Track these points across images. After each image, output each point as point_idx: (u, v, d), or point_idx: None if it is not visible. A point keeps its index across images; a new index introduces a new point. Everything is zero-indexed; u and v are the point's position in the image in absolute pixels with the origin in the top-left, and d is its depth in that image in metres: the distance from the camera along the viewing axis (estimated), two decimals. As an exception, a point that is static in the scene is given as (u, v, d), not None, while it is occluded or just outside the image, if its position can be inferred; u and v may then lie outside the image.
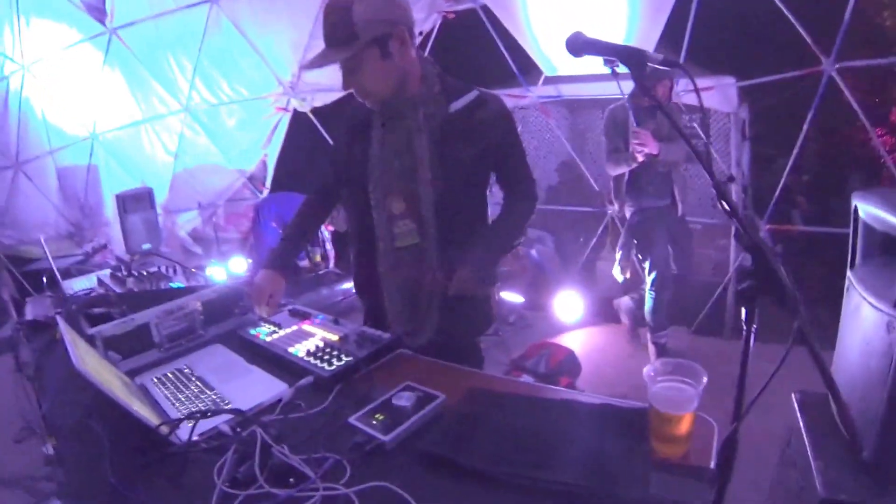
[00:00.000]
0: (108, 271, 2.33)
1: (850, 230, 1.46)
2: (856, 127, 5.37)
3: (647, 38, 3.61)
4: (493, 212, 1.70)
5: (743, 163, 4.09)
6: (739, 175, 4.02)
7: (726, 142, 4.20)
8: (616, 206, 3.47)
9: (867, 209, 1.37)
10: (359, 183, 1.50)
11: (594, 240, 4.76)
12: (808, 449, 1.38)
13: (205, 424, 1.08)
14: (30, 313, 2.02)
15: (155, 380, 1.36)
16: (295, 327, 1.56)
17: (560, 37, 4.36)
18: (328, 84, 4.59)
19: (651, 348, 3.59)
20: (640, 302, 3.67)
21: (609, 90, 4.40)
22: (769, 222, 3.79)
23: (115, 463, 0.96)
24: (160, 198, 4.72)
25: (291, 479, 0.87)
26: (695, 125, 4.00)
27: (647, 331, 3.59)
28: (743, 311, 0.74)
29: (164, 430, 1.03)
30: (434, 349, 1.46)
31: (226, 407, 1.19)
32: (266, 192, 5.51)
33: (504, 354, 3.73)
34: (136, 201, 4.29)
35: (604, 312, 4.40)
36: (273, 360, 1.40)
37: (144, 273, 2.16)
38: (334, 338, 1.46)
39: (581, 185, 5.44)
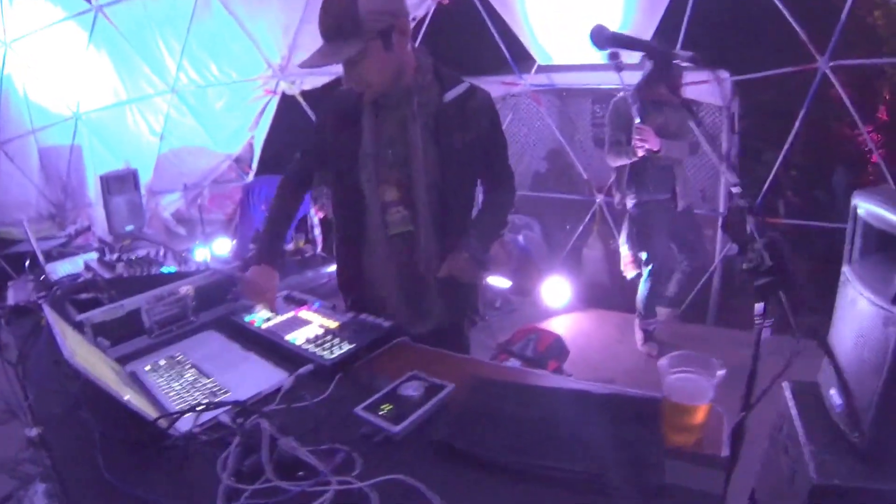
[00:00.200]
0: (94, 255, 2.27)
1: (849, 227, 1.49)
2: (841, 123, 5.47)
3: (643, 31, 3.60)
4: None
5: (732, 155, 4.14)
6: (728, 167, 4.06)
7: (718, 135, 4.25)
8: (617, 198, 3.49)
9: (867, 207, 1.40)
10: (349, 173, 1.50)
11: (581, 227, 4.80)
12: (800, 436, 1.42)
13: (203, 415, 1.05)
14: (12, 298, 1.97)
15: (148, 368, 1.33)
16: (291, 314, 1.53)
17: (556, 26, 4.36)
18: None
19: (638, 334, 3.65)
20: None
21: (600, 80, 4.42)
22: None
23: (109, 457, 0.92)
24: (144, 179, 4.64)
25: (301, 473, 0.83)
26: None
27: (636, 317, 3.65)
28: (759, 306, 0.74)
29: (163, 423, 0.99)
30: (420, 336, 1.47)
31: (224, 396, 1.17)
32: (252, 175, 5.45)
33: (490, 339, 3.75)
34: (120, 182, 4.22)
35: (589, 298, 4.46)
36: (270, 348, 1.37)
37: (133, 258, 2.12)
38: (333, 325, 1.43)
39: (569, 173, 5.47)
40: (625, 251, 3.55)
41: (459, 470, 0.89)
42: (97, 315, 1.46)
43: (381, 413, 1.00)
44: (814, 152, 5.39)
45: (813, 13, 3.44)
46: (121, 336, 1.47)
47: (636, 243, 3.44)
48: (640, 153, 3.07)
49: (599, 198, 4.59)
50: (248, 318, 1.51)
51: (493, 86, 4.72)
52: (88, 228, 4.60)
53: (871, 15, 5.32)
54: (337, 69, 1.39)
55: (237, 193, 5.65)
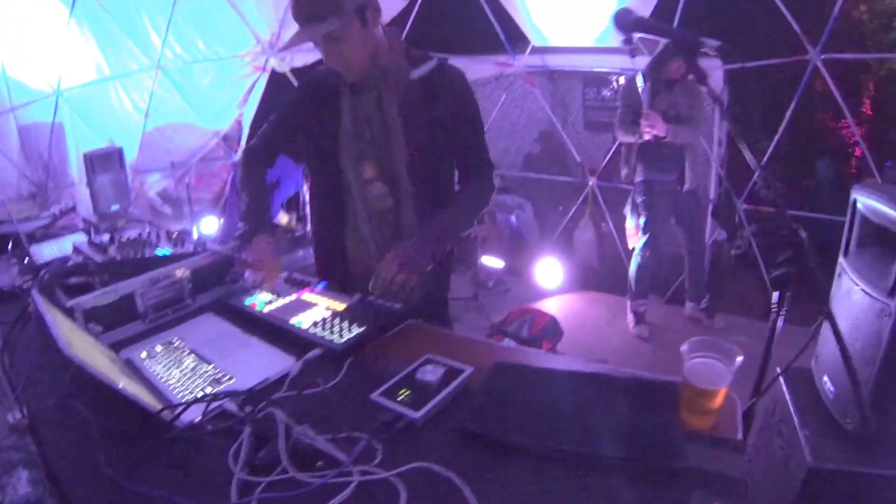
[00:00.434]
0: (81, 237, 2.21)
1: (847, 220, 1.52)
2: (826, 115, 5.54)
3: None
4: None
5: (723, 143, 4.18)
6: (718, 155, 4.12)
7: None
8: (624, 172, 3.52)
9: (866, 202, 1.42)
10: (330, 152, 1.56)
11: (573, 209, 4.81)
12: (794, 420, 1.45)
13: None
14: (-5, 282, 1.91)
15: (144, 355, 1.28)
16: (294, 296, 1.48)
17: (552, 6, 4.31)
18: (308, 44, 4.43)
19: (630, 316, 3.69)
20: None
21: (593, 63, 4.41)
22: (746, 202, 3.90)
23: (109, 451, 0.87)
24: (129, 157, 4.52)
25: (320, 463, 0.79)
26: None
27: (628, 297, 3.68)
28: (775, 294, 0.75)
29: (168, 414, 0.95)
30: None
31: (228, 382, 1.13)
32: (240, 153, 5.35)
33: (483, 319, 3.78)
34: (105, 161, 4.11)
35: (581, 280, 4.50)
36: (273, 332, 1.32)
37: (125, 239, 2.07)
38: (341, 307, 1.39)
39: (562, 155, 5.48)
40: (630, 222, 3.58)
41: (483, 457, 0.86)
42: (88, 300, 1.41)
43: (399, 399, 0.96)
44: (797, 144, 5.47)
45: (802, 4, 3.46)
46: (113, 321, 1.42)
47: (638, 211, 3.48)
48: (647, 137, 3.12)
49: (592, 181, 4.60)
50: (248, 302, 1.46)
51: (486, 66, 4.67)
52: (73, 209, 4.49)
53: (857, 9, 5.39)
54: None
55: (225, 172, 5.57)
